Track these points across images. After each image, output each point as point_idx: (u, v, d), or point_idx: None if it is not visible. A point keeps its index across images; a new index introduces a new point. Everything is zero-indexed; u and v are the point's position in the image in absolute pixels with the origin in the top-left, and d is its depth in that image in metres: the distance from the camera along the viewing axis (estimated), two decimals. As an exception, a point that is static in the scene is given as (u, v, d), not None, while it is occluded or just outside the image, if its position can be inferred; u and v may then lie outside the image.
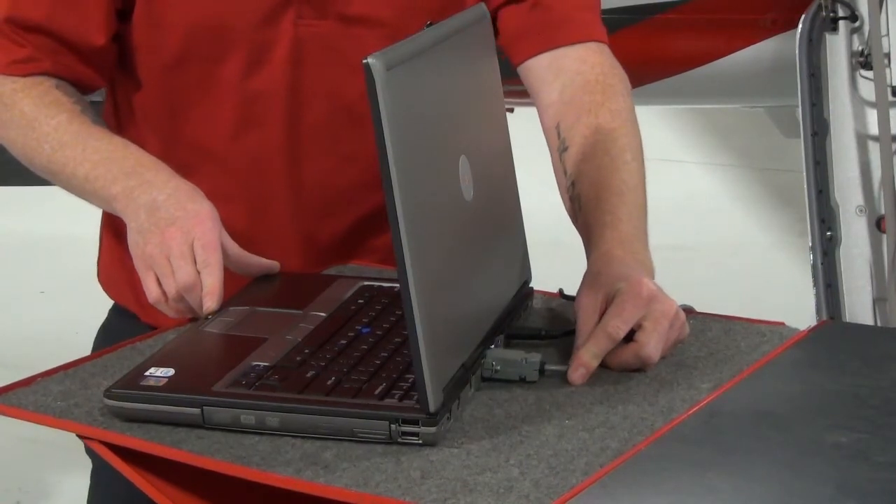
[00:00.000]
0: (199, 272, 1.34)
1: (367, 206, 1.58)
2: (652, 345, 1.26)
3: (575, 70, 1.53)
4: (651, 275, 1.34)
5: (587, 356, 1.25)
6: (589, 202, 1.43)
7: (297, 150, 1.54)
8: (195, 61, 1.51)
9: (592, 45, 1.56)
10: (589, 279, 1.33)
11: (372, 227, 1.59)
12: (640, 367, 1.27)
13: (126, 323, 1.63)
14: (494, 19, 1.56)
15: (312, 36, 1.50)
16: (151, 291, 1.36)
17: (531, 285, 1.43)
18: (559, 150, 1.50)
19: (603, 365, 1.27)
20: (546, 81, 1.49)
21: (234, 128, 1.53)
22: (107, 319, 1.71)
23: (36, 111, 1.48)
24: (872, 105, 2.94)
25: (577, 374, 1.25)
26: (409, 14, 1.51)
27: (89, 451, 1.57)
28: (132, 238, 1.38)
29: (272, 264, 1.45)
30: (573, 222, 1.46)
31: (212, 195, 1.41)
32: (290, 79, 1.51)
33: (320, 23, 1.50)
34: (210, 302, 1.33)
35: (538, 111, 1.55)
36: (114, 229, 1.62)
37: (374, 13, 1.51)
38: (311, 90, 1.52)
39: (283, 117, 1.52)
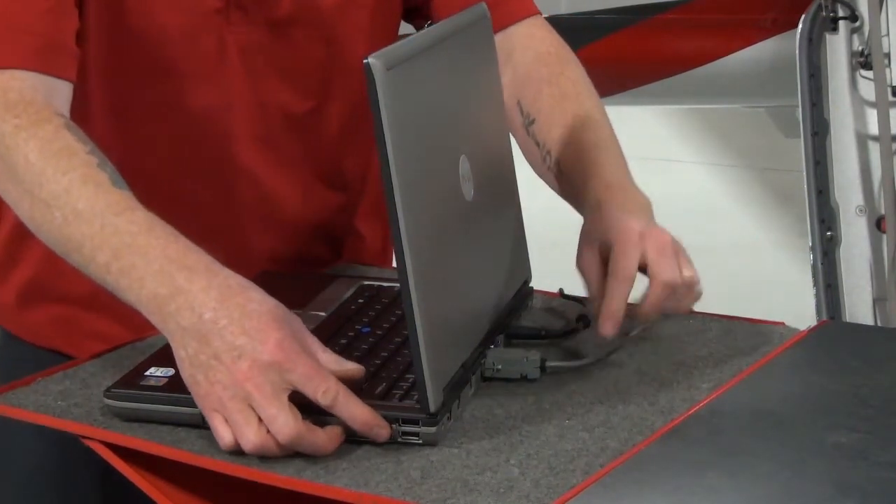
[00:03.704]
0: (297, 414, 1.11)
1: (308, 215, 1.53)
2: (668, 269, 1.28)
3: (524, 45, 1.52)
4: (643, 208, 1.34)
5: (614, 305, 1.27)
6: (568, 163, 1.42)
7: (232, 162, 1.46)
8: (127, 76, 1.41)
9: (535, 20, 1.55)
10: (583, 237, 1.33)
11: (314, 237, 1.55)
12: (677, 302, 1.29)
13: (23, 353, 1.52)
14: (428, 12, 1.55)
15: (245, 43, 1.43)
16: (223, 437, 1.11)
17: (531, 285, 1.43)
18: (525, 124, 1.48)
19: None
20: (499, 62, 1.47)
21: (168, 143, 1.44)
22: None
23: (44, 161, 1.22)
24: (872, 105, 2.95)
25: (608, 324, 1.26)
26: (341, 13, 1.46)
27: None
28: (185, 370, 1.14)
29: (358, 369, 1.18)
30: (559, 192, 1.45)
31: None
32: (222, 89, 1.43)
33: (252, 29, 1.43)
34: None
35: None
36: (11, 236, 1.49)
37: (305, 15, 1.45)
38: (245, 100, 1.44)
39: (218, 130, 1.44)
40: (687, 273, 1.30)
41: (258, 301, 1.15)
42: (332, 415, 1.12)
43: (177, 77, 1.41)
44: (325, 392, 1.11)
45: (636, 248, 1.29)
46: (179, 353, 1.15)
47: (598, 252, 1.31)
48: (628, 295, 1.28)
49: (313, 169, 1.51)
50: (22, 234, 1.44)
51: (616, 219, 1.31)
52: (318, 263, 1.56)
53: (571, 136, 1.44)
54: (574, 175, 1.41)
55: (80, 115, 1.35)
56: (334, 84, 1.48)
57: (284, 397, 1.11)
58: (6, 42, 1.30)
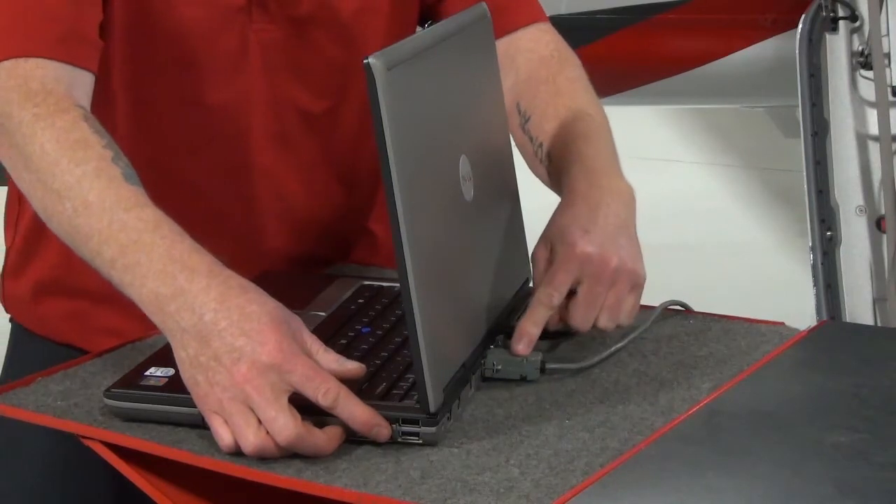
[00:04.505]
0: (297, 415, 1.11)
1: (323, 215, 1.53)
2: (579, 316, 1.28)
3: (528, 49, 1.53)
4: (621, 197, 1.33)
5: (528, 326, 1.27)
6: (556, 153, 1.43)
7: (249, 159, 1.46)
8: (150, 70, 1.42)
9: (540, 26, 1.56)
10: (546, 227, 1.33)
11: (328, 236, 1.55)
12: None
13: (36, 347, 1.52)
14: (436, 13, 1.55)
15: (266, 41, 1.43)
16: (223, 439, 1.11)
17: (531, 285, 1.43)
18: (521, 124, 1.49)
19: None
20: (503, 67, 1.48)
21: (188, 137, 1.45)
22: (11, 345, 1.56)
23: (59, 151, 1.23)
24: (872, 105, 2.95)
25: (520, 344, 1.26)
26: (359, 16, 1.47)
27: None
28: (185, 371, 1.14)
29: (359, 367, 1.17)
30: (550, 185, 1.45)
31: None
32: (242, 86, 1.44)
33: (273, 27, 1.43)
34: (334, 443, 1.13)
35: None
36: (30, 231, 1.50)
37: (324, 15, 1.45)
38: (263, 97, 1.45)
39: (236, 126, 1.45)
40: (603, 321, 1.30)
41: (258, 302, 1.15)
42: (332, 415, 1.12)
43: (198, 72, 1.42)
44: (326, 393, 1.11)
45: (569, 276, 1.28)
46: (179, 354, 1.15)
47: (549, 250, 1.31)
48: (545, 319, 1.28)
49: (329, 169, 1.51)
50: (40, 229, 1.45)
51: (572, 228, 1.30)
52: (330, 263, 1.56)
53: (561, 128, 1.45)
54: (559, 163, 1.41)
55: (104, 107, 1.36)
56: (350, 85, 1.49)
57: (284, 399, 1.11)
58: (31, 31, 1.30)
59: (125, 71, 1.41)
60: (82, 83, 1.32)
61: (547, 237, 1.32)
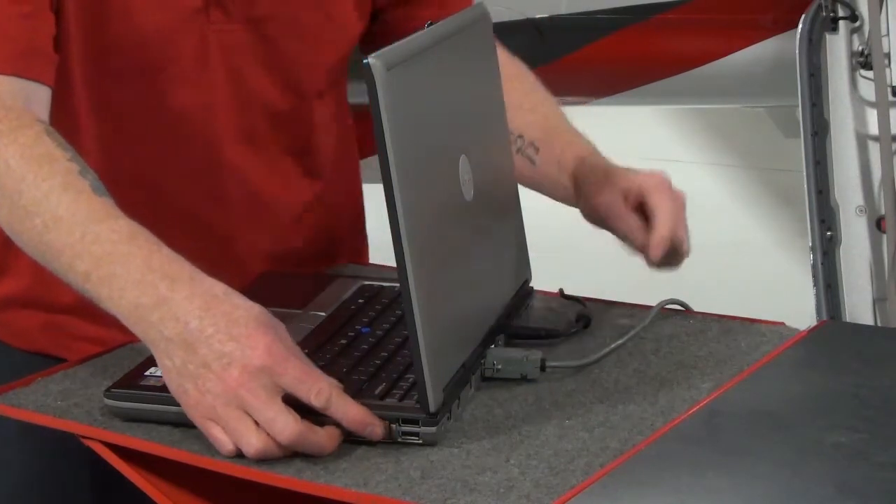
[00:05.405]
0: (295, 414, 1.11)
1: (294, 210, 1.52)
2: (678, 229, 1.45)
3: None
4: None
5: (663, 232, 1.41)
6: (545, 142, 1.49)
7: (218, 160, 1.45)
8: (112, 78, 1.40)
9: None
10: (594, 187, 1.43)
11: (300, 232, 1.54)
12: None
13: (9, 356, 1.50)
14: (383, 21, 1.55)
15: (225, 41, 1.42)
16: (224, 445, 1.11)
17: (531, 285, 1.43)
18: None
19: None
20: None
21: (155, 143, 1.43)
22: None
23: (24, 167, 1.22)
24: (872, 105, 2.95)
25: (657, 249, 1.39)
26: (320, 9, 1.46)
27: None
28: (172, 380, 1.13)
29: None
30: (529, 174, 1.49)
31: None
32: (205, 88, 1.42)
33: (232, 27, 1.42)
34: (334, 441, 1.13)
35: None
36: None
37: (284, 12, 1.45)
38: (227, 97, 1.44)
39: (202, 128, 1.44)
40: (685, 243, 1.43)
41: (244, 308, 1.15)
42: (323, 416, 1.12)
43: (160, 77, 1.41)
44: (318, 393, 1.11)
45: (670, 192, 1.43)
46: (164, 363, 1.14)
47: (622, 198, 1.41)
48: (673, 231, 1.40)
49: (297, 164, 1.51)
50: (6, 246, 1.44)
51: (626, 173, 1.41)
52: (305, 259, 1.56)
53: (546, 124, 1.49)
54: (554, 150, 1.47)
55: (67, 118, 1.36)
56: (312, 81, 1.49)
57: (279, 400, 1.11)
58: None
59: (86, 81, 1.40)
60: (39, 98, 1.31)
61: (607, 186, 1.41)
